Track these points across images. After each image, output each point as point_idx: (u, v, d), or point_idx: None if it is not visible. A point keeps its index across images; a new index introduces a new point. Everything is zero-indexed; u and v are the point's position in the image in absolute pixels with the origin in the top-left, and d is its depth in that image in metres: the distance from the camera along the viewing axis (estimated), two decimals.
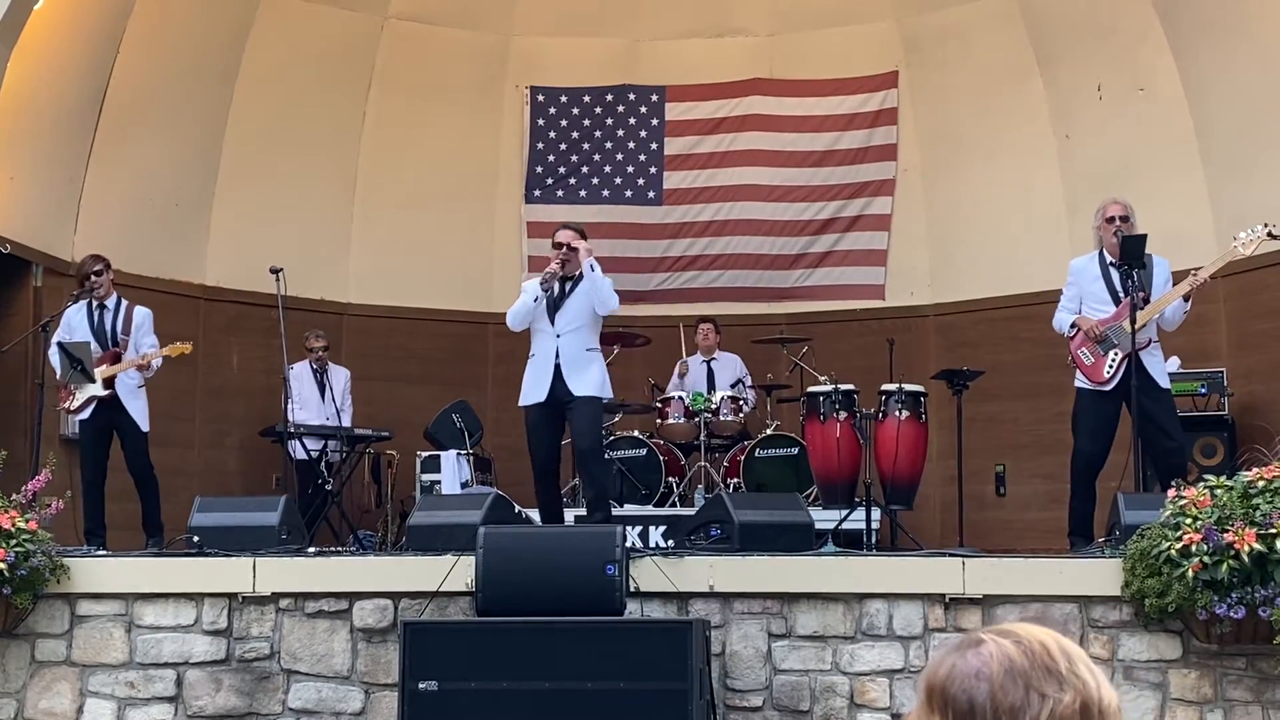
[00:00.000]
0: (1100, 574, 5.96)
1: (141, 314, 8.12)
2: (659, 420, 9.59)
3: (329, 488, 9.05)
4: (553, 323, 7.12)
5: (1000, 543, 8.93)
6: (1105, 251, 7.21)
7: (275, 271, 8.14)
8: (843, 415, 7.78)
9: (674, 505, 9.23)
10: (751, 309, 11.14)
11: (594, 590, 5.66)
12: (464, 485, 9.23)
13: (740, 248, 11.32)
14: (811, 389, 8.25)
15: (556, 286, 7.22)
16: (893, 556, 6.65)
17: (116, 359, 7.94)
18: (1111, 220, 7.18)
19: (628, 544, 6.11)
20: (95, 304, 8.05)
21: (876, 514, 7.87)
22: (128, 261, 9.65)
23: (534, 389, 7.20)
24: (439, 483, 9.26)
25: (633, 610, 5.91)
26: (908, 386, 7.84)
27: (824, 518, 7.81)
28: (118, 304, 8.12)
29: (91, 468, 7.93)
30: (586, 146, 11.38)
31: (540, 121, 11.32)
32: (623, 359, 10.10)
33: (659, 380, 10.07)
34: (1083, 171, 10.05)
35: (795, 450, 9.12)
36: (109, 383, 7.86)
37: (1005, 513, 10.08)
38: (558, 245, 7.26)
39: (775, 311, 11.19)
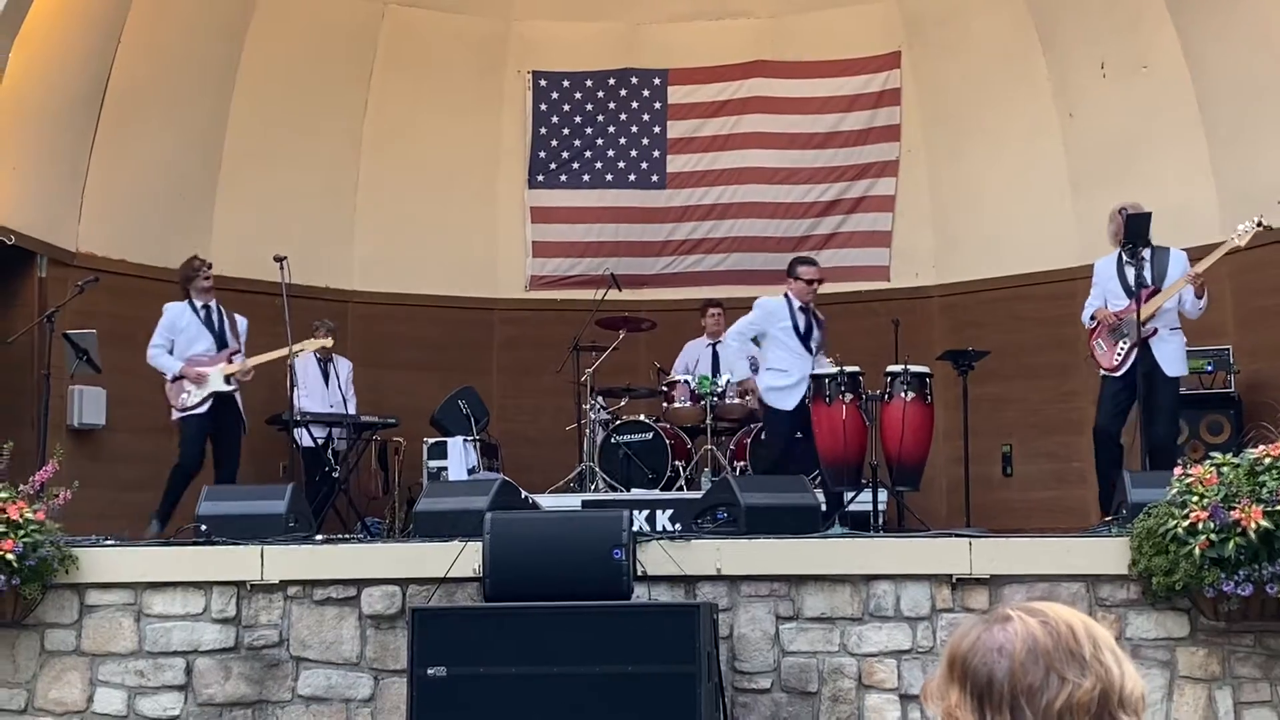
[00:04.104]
0: (1107, 553, 5.96)
1: (244, 322, 8.55)
2: (665, 404, 9.59)
3: (336, 475, 9.06)
4: (809, 349, 8.29)
5: (1007, 523, 8.90)
6: (1123, 251, 7.54)
7: (279, 260, 8.16)
8: (848, 397, 7.76)
9: (681, 489, 9.23)
10: (756, 292, 11.05)
11: (601, 575, 5.66)
12: (470, 471, 9.23)
13: (745, 230, 11.30)
14: (816, 371, 8.23)
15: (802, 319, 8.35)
16: (900, 538, 6.64)
17: (231, 359, 8.33)
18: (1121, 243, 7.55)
19: (634, 528, 6.11)
20: (200, 305, 8.41)
21: (883, 495, 7.86)
22: (132, 251, 9.67)
23: (792, 398, 8.08)
24: (445, 469, 9.25)
25: (640, 594, 5.91)
26: (913, 368, 7.83)
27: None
28: (217, 307, 8.50)
29: (193, 456, 8.19)
30: (589, 131, 11.36)
31: (542, 106, 11.30)
32: (628, 343, 10.11)
33: (664, 364, 10.07)
34: (1086, 150, 10.02)
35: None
36: (229, 380, 8.25)
37: (1012, 493, 10.08)
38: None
39: (780, 294, 11.14)
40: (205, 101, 10.15)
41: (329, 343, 8.90)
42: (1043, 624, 1.54)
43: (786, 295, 8.41)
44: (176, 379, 8.27)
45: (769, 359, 8.35)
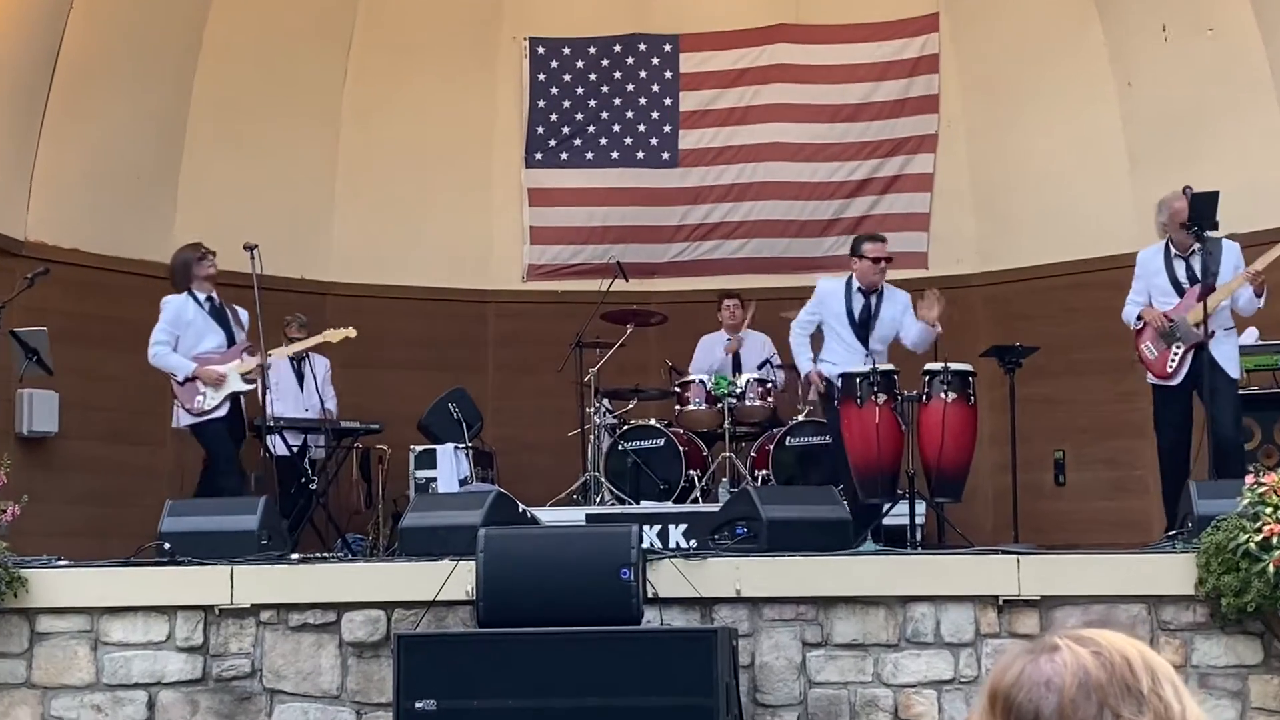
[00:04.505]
0: (1171, 571, 5.95)
1: (245, 315, 8.51)
2: (678, 406, 9.58)
3: (313, 487, 9.07)
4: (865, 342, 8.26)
5: (1059, 537, 8.90)
6: (1171, 244, 7.51)
7: (250, 249, 8.17)
8: (882, 398, 7.75)
9: (696, 501, 9.23)
10: (779, 281, 11.11)
11: (607, 597, 5.67)
12: (462, 482, 9.24)
13: (766, 213, 11.29)
14: (848, 370, 8.23)
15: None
16: (940, 555, 6.64)
17: (243, 355, 8.31)
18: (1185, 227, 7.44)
19: (644, 545, 6.12)
20: (204, 297, 8.35)
21: (921, 508, 7.86)
22: (86, 240, 9.69)
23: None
24: (435, 480, 9.27)
25: (651, 619, 5.92)
26: (954, 365, 7.81)
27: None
28: (219, 299, 8.45)
29: (229, 458, 8.19)
30: (593, 103, 11.35)
31: (541, 76, 11.29)
32: (637, 339, 10.11)
33: (677, 362, 10.06)
34: (1146, 122, 10.00)
35: (829, 438, 9.10)
36: (246, 379, 8.25)
37: (1065, 504, 10.07)
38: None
39: (806, 284, 11.04)
40: (167, 75, 10.16)
41: (352, 333, 8.86)
42: (1095, 654, 1.54)
43: (849, 278, 8.32)
44: (188, 380, 8.18)
45: (824, 349, 8.29)
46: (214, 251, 8.47)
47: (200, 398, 8.16)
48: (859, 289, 8.24)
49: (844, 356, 8.10)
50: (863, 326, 8.18)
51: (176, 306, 8.29)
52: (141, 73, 10.00)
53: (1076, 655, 1.54)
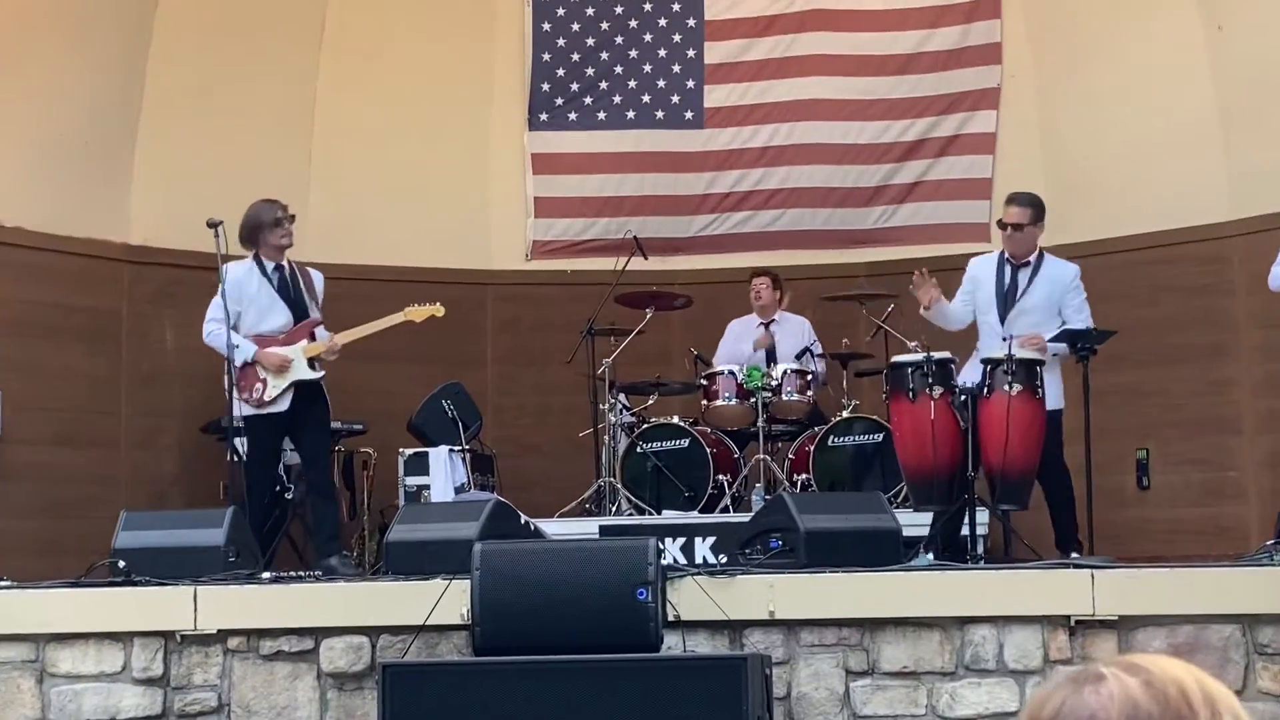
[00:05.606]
0: (1269, 586, 5.94)
1: (320, 279, 8.41)
2: (705, 402, 9.59)
3: (289, 496, 9.10)
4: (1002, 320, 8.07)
5: (1142, 549, 8.90)
6: None
7: (214, 225, 8.16)
8: (938, 391, 7.74)
9: (725, 510, 9.25)
10: (820, 258, 11.13)
11: (622, 620, 5.68)
12: (458, 490, 9.27)
13: (804, 180, 11.29)
14: (898, 359, 8.22)
15: None
16: (1004, 570, 6.63)
17: (313, 334, 8.17)
18: None
19: (665, 561, 6.12)
20: (272, 266, 8.22)
21: (983, 516, 7.84)
22: (32, 218, 9.73)
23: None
24: (427, 487, 9.32)
25: (672, 645, 5.93)
26: (1019, 353, 7.80)
27: (915, 522, 7.80)
28: (290, 267, 8.31)
29: (269, 471, 8.13)
30: (605, 56, 11.36)
31: (545, 26, 11.31)
32: (658, 325, 10.11)
33: (703, 351, 10.07)
34: (1239, 71, 9.95)
35: (879, 437, 9.11)
36: (314, 365, 8.12)
37: (1148, 510, 10.05)
38: None
39: (851, 260, 11.16)
40: (121, 28, 10.19)
41: (440, 311, 8.59)
42: (1145, 685, 1.53)
43: (1002, 251, 8.24)
44: (247, 365, 8.02)
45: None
46: (293, 216, 8.34)
47: (259, 386, 8.01)
48: (1008, 260, 8.16)
49: (986, 344, 7.95)
50: (1005, 304, 8.06)
51: (238, 277, 8.12)
52: (93, 26, 10.03)
53: (1125, 686, 1.54)
